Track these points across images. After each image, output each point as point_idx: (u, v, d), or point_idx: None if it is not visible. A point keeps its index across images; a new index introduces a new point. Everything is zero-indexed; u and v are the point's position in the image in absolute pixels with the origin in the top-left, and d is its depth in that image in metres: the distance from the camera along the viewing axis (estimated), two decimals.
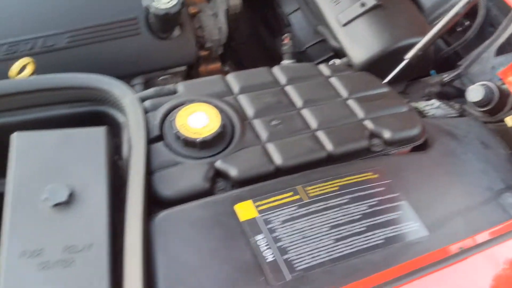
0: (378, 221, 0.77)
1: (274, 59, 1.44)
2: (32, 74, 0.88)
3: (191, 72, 1.29)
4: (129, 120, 0.82)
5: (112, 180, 0.75)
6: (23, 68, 0.88)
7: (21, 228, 0.68)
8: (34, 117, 0.85)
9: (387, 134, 0.90)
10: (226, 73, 1.34)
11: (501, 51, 1.26)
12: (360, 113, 0.93)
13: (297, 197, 0.77)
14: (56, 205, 0.69)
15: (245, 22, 1.72)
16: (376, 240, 0.75)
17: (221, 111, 0.87)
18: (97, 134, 0.78)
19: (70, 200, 0.70)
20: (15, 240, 0.67)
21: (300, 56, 1.47)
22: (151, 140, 0.83)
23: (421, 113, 1.11)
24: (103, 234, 0.68)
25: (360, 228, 0.76)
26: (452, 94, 1.28)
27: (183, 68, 1.19)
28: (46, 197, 0.69)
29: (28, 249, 0.66)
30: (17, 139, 0.76)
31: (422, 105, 1.14)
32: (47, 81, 0.84)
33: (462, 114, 1.15)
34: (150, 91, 0.92)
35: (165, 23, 1.06)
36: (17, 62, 0.87)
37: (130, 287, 0.63)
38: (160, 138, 0.84)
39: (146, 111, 0.87)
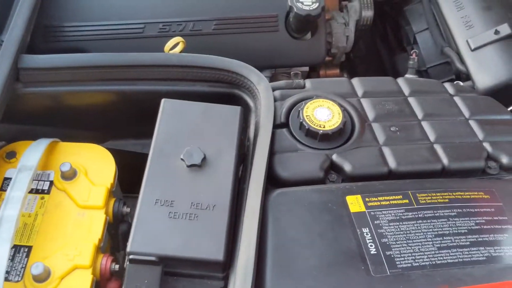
0: (483, 239, 0.78)
1: (388, 75, 1.46)
2: (182, 51, 0.99)
3: (311, 75, 1.36)
4: (261, 104, 0.90)
5: (239, 155, 0.84)
6: (175, 46, 0.99)
7: (158, 179, 0.78)
8: (179, 90, 0.96)
9: (505, 159, 0.90)
10: (347, 78, 1.39)
11: None
12: (480, 134, 0.94)
13: (406, 201, 0.80)
14: (190, 166, 0.78)
15: (364, 37, 1.76)
16: (479, 256, 0.76)
17: (344, 109, 0.92)
18: (234, 111, 0.87)
19: (202, 164, 0.79)
20: (152, 189, 0.77)
21: (419, 75, 1.48)
22: (276, 126, 0.90)
23: None
24: (226, 198, 0.76)
25: (464, 241, 0.77)
26: None
27: (306, 68, 1.26)
28: (183, 158, 0.79)
29: (162, 198, 0.76)
30: (164, 104, 0.87)
31: None
32: (195, 59, 0.95)
33: None
34: (281, 83, 1.00)
35: (304, 24, 1.14)
36: (171, 39, 0.99)
37: (246, 245, 0.70)
38: (285, 125, 0.91)
39: (275, 100, 0.95)
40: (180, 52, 0.99)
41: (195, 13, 1.13)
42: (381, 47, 1.73)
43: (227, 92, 0.97)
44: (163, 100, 0.87)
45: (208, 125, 0.84)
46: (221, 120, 0.85)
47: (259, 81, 0.93)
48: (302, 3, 1.09)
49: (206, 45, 1.11)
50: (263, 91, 0.92)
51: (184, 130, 0.83)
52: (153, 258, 0.70)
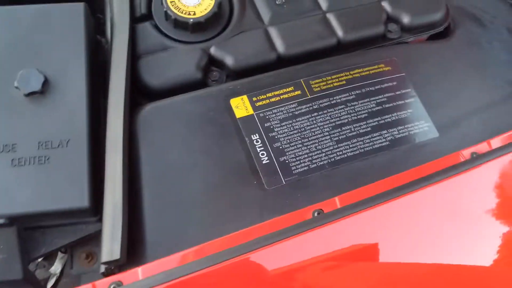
0: (386, 120, 0.70)
1: None
2: None
3: None
4: None
5: (94, 65, 0.67)
6: None
7: None
8: None
9: (405, 19, 0.80)
10: None
11: None
12: None
13: (298, 92, 0.70)
14: (29, 94, 0.62)
15: None
16: (382, 142, 0.69)
17: None
18: (76, 10, 0.68)
19: (45, 89, 0.62)
20: None
21: None
22: (137, 19, 0.73)
23: None
24: (82, 128, 0.61)
25: (365, 128, 0.69)
26: None
27: None
28: (17, 85, 0.62)
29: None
30: None
31: None
32: None
33: None
34: None
35: None
36: None
37: (111, 185, 0.58)
38: (147, 17, 0.74)
39: None
40: None
41: None
42: None
43: None
44: None
45: (46, 35, 0.66)
46: (62, 24, 0.66)
47: None
48: None
49: None
50: None
51: (15, 46, 0.65)
52: (1, 221, 0.57)
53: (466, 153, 0.67)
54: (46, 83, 0.63)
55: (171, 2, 0.72)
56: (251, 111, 0.67)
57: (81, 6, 0.68)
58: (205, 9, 0.72)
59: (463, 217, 0.63)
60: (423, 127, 0.71)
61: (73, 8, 0.67)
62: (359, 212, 0.58)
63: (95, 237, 0.64)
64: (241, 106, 0.67)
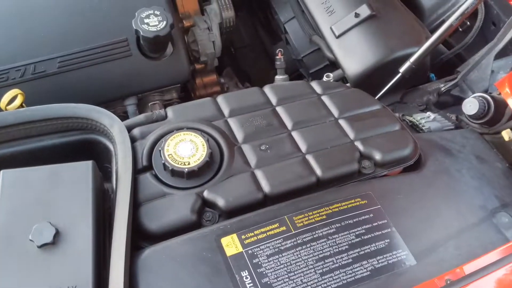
0: (365, 251, 0.77)
1: (274, 64, 1.43)
2: (21, 105, 0.88)
3: (187, 86, 1.29)
4: (117, 151, 0.83)
5: (100, 215, 0.76)
6: (12, 100, 0.88)
7: (5, 269, 0.68)
8: (25, 148, 0.86)
9: (377, 156, 0.89)
10: (222, 85, 1.34)
11: (501, 54, 1.24)
12: (350, 133, 0.92)
13: (283, 228, 0.77)
14: (42, 246, 0.70)
15: (246, 25, 1.71)
16: (363, 272, 0.74)
17: (210, 138, 0.87)
18: (84, 168, 0.78)
19: (55, 240, 0.70)
20: (1, 283, 0.68)
21: (297, 63, 1.46)
22: (139, 171, 0.83)
23: (417, 127, 1.10)
24: (87, 275, 0.68)
25: (347, 259, 0.75)
26: (451, 102, 1.26)
27: (177, 85, 1.19)
28: (32, 238, 0.70)
29: None
30: (3, 177, 0.76)
31: (417, 117, 1.13)
32: (35, 112, 0.85)
33: (459, 125, 1.13)
34: (140, 117, 0.92)
35: (156, 45, 1.06)
36: (6, 94, 0.88)
37: None
38: (148, 168, 0.84)
39: (135, 139, 0.87)
40: (21, 105, 0.89)
41: (34, 54, 1.02)
42: (264, 36, 1.70)
43: (83, 139, 0.88)
44: (1, 172, 0.76)
45: (57, 192, 0.75)
46: (71, 181, 0.76)
47: (112, 123, 0.85)
48: (148, 24, 1.00)
49: (54, 87, 1.00)
50: (117, 134, 0.84)
51: (29, 203, 0.74)
52: None
53: (441, 281, 0.73)
54: (57, 234, 0.71)
55: (168, 155, 0.82)
56: (240, 249, 0.74)
57: (89, 164, 0.78)
58: (198, 159, 0.82)
59: None
60: (401, 256, 0.77)
61: (81, 166, 0.78)
62: None
63: None
64: (231, 244, 0.74)
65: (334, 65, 1.29)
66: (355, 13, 1.19)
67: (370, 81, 1.15)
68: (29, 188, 0.75)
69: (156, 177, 0.83)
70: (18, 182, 0.76)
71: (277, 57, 1.16)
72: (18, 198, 0.74)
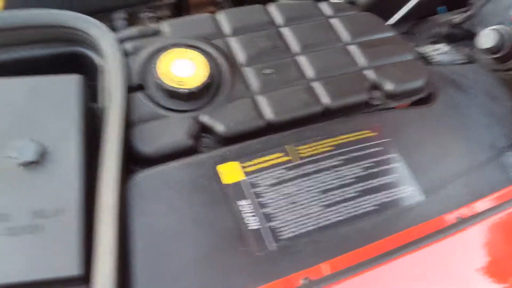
0: (372, 185, 0.72)
1: None
2: (4, 7, 0.79)
3: (181, 4, 1.19)
4: (107, 65, 0.75)
5: (89, 134, 0.70)
6: None
7: None
8: (7, 58, 0.77)
9: (389, 86, 0.83)
10: (218, 3, 1.24)
11: None
12: (361, 61, 0.85)
13: (286, 158, 0.72)
14: (24, 164, 0.64)
15: None
16: (369, 206, 0.70)
17: (210, 58, 0.79)
18: (71, 82, 0.70)
19: (39, 159, 0.64)
20: None
21: None
22: (131, 89, 0.76)
23: (427, 59, 1.03)
24: (75, 198, 0.63)
25: (352, 193, 0.71)
26: (461, 36, 1.18)
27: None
28: (13, 156, 0.64)
29: None
30: None
31: (428, 49, 1.06)
32: (14, 18, 0.76)
33: (470, 60, 1.07)
34: (133, 30, 0.84)
35: None
36: None
37: (102, 254, 0.59)
38: (141, 87, 0.77)
39: (127, 54, 0.79)
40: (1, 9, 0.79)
41: None
42: None
43: (69, 51, 0.80)
44: None
45: (42, 106, 0.68)
46: (57, 96, 0.69)
47: (101, 34, 0.77)
48: None
49: None
50: (108, 47, 0.76)
51: (11, 118, 0.67)
52: None
53: (451, 217, 0.69)
54: (41, 153, 0.64)
55: (162, 72, 0.75)
56: (240, 177, 0.69)
57: (77, 78, 0.71)
58: (199, 80, 0.75)
59: (450, 281, 0.64)
60: (409, 191, 0.73)
61: (69, 80, 0.70)
62: (346, 279, 0.59)
63: None
64: (230, 172, 0.69)
65: None
66: None
67: (380, 7, 1.06)
68: (9, 101, 0.68)
69: (149, 97, 0.76)
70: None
71: None
72: None
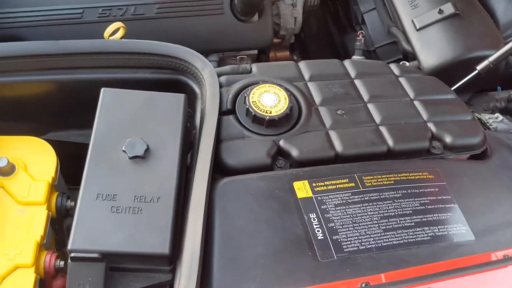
0: (428, 219, 0.80)
1: (340, 56, 1.47)
2: (123, 37, 0.95)
3: (260, 57, 1.35)
4: (206, 91, 0.88)
5: (185, 143, 0.82)
6: (115, 31, 0.96)
7: (99, 173, 0.75)
8: (120, 77, 0.93)
9: (448, 139, 0.92)
10: (294, 61, 1.39)
11: None
12: (424, 114, 0.95)
13: (352, 184, 0.81)
14: (133, 157, 0.76)
15: (315, 16, 1.76)
16: (423, 236, 0.77)
17: (291, 94, 0.92)
18: (177, 99, 0.84)
19: (145, 155, 0.77)
20: (92, 183, 0.74)
21: (368, 55, 1.49)
22: (223, 112, 0.89)
23: (484, 125, 1.12)
24: (171, 190, 0.74)
25: (409, 222, 0.79)
26: None
27: (255, 51, 1.25)
28: (125, 149, 0.76)
29: (103, 192, 0.73)
30: (104, 94, 0.83)
31: (485, 117, 1.15)
32: (136, 45, 0.92)
33: None
34: (227, 68, 0.98)
35: (249, 6, 1.12)
36: (111, 25, 0.95)
37: (191, 238, 0.69)
38: (231, 112, 0.90)
39: (221, 86, 0.93)
40: (121, 38, 0.96)
41: None
42: (333, 27, 1.73)
43: (172, 78, 0.95)
44: (102, 89, 0.84)
45: (151, 115, 0.82)
46: (165, 108, 0.83)
47: (203, 66, 0.91)
48: None
49: (149, 30, 1.08)
50: (208, 77, 0.90)
51: (125, 120, 0.81)
52: (95, 255, 0.68)
53: (499, 254, 0.75)
54: (147, 150, 0.77)
55: (252, 101, 0.88)
56: (310, 194, 0.78)
57: (182, 96, 0.85)
58: (280, 110, 0.87)
59: None
60: (460, 230, 0.80)
61: (176, 97, 0.84)
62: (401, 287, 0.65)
63: None
64: (302, 189, 0.79)
65: (406, 59, 1.32)
66: (439, 9, 1.22)
67: (444, 76, 1.17)
68: (125, 107, 0.82)
69: (237, 120, 0.88)
70: (116, 100, 0.83)
71: (358, 37, 1.20)
72: (115, 114, 0.81)
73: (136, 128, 0.80)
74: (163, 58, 0.92)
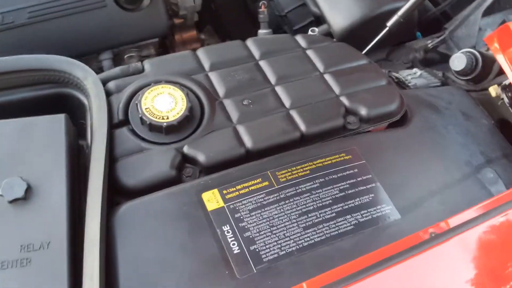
0: (349, 205, 0.75)
1: (255, 22, 1.38)
2: None
3: (165, 42, 1.24)
4: (91, 104, 0.79)
5: (74, 170, 0.73)
6: None
7: None
8: None
9: (363, 111, 0.87)
10: (202, 41, 1.29)
11: (489, 11, 1.21)
12: (336, 88, 0.89)
13: (266, 183, 0.75)
14: (13, 201, 0.67)
15: None
16: (347, 226, 0.73)
17: (190, 92, 0.83)
18: (57, 122, 0.74)
19: (27, 195, 0.67)
20: None
21: (280, 20, 1.42)
22: (115, 125, 0.80)
23: (403, 83, 1.08)
24: (61, 231, 0.65)
25: (330, 214, 0.74)
26: (437, 60, 1.24)
27: (155, 39, 1.14)
28: (1, 193, 0.67)
29: None
30: None
31: (404, 74, 1.10)
32: (3, 63, 0.80)
33: (445, 82, 1.11)
34: (115, 70, 0.88)
35: None
36: None
37: (89, 285, 0.61)
38: (125, 122, 0.81)
39: (110, 93, 0.83)
40: None
41: (2, 3, 0.95)
42: None
43: (56, 92, 0.84)
44: None
45: (29, 145, 0.72)
46: (43, 135, 0.73)
47: (85, 75, 0.81)
48: None
49: (23, 39, 0.95)
50: (92, 87, 0.80)
51: (0, 157, 0.70)
52: None
53: (425, 234, 0.71)
54: (28, 189, 0.67)
55: (146, 108, 0.79)
56: (222, 203, 0.72)
57: (61, 117, 0.75)
58: (177, 113, 0.79)
59: None
60: (385, 210, 0.76)
61: (54, 120, 0.74)
62: None
63: None
64: (212, 199, 0.72)
65: (319, 21, 1.25)
66: None
67: (356, 36, 1.11)
68: None
69: (133, 131, 0.79)
70: None
71: (260, 10, 1.12)
72: None
73: (14, 164, 0.70)
74: (37, 72, 0.81)
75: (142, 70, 0.88)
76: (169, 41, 1.27)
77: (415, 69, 1.11)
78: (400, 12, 1.09)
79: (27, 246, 0.64)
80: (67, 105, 0.84)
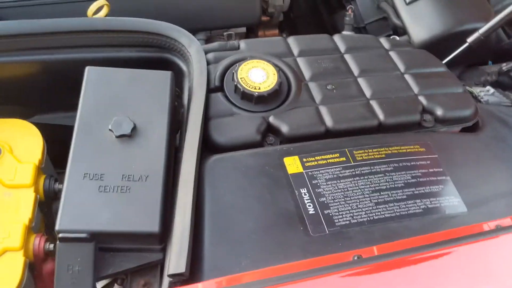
0: (419, 191, 0.79)
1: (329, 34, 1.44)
2: (106, 15, 0.93)
3: (249, 36, 1.33)
4: (193, 68, 0.87)
5: (173, 120, 0.81)
6: (99, 9, 0.93)
7: (85, 152, 0.74)
8: (104, 56, 0.91)
9: (439, 111, 0.91)
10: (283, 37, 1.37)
11: None
12: (415, 88, 0.94)
13: (343, 159, 0.80)
14: (120, 136, 0.75)
15: None
16: (415, 209, 0.77)
17: (280, 70, 0.90)
18: (164, 76, 0.83)
19: (132, 133, 0.75)
20: (79, 163, 0.73)
21: (358, 32, 1.48)
22: (211, 90, 0.87)
23: (475, 98, 1.11)
24: (159, 168, 0.73)
25: (401, 195, 0.78)
26: (508, 85, 1.26)
27: (243, 29, 1.22)
28: (111, 128, 0.75)
29: (90, 172, 0.72)
30: (88, 72, 0.82)
31: (477, 90, 1.14)
32: (121, 23, 0.90)
33: None
34: (214, 45, 0.96)
35: None
36: (94, 3, 0.93)
37: (181, 215, 0.68)
38: (219, 89, 0.88)
39: (209, 63, 0.91)
40: (105, 16, 0.93)
41: None
42: (322, 6, 1.71)
43: (158, 56, 0.93)
44: (87, 68, 0.82)
45: (137, 93, 0.80)
46: (151, 86, 0.81)
47: (190, 43, 0.89)
48: None
49: (133, 8, 1.05)
50: (194, 54, 0.88)
51: (111, 99, 0.79)
52: (84, 235, 0.67)
53: (491, 225, 0.75)
54: (134, 129, 0.75)
55: (241, 78, 0.86)
56: (301, 169, 0.77)
57: (168, 73, 0.83)
58: (269, 86, 0.86)
59: (487, 279, 0.69)
60: (453, 202, 0.79)
61: (162, 74, 0.83)
62: (394, 259, 0.65)
63: (154, 268, 0.73)
64: (292, 164, 0.78)
65: (397, 34, 1.31)
66: None
67: (434, 50, 1.16)
68: (111, 86, 0.80)
69: (226, 97, 0.87)
70: (101, 78, 0.81)
71: (347, 13, 1.18)
72: (100, 93, 0.80)
73: (122, 106, 0.78)
74: (148, 35, 0.90)
75: (237, 48, 0.96)
76: (253, 36, 1.35)
77: (488, 87, 1.14)
78: (481, 30, 1.13)
79: (128, 176, 0.72)
80: (167, 70, 0.92)
